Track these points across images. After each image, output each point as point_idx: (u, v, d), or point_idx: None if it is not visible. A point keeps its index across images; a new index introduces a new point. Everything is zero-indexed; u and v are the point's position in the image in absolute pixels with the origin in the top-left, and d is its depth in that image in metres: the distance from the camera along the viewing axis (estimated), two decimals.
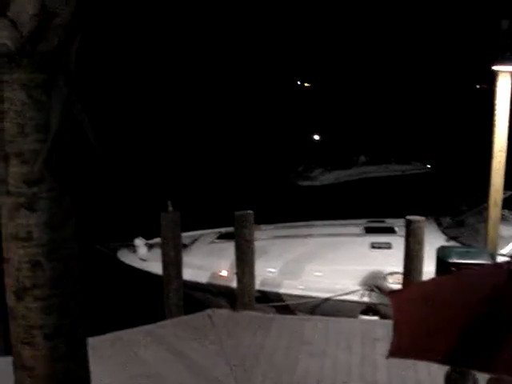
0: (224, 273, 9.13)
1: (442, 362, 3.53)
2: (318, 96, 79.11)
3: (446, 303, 3.52)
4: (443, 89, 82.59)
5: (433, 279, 4.30)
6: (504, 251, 8.66)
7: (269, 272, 9.07)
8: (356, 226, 10.50)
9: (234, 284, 8.51)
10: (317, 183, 24.46)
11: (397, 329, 3.57)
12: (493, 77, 7.51)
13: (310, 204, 19.92)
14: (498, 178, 7.67)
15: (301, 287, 8.90)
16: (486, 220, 9.78)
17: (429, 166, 26.85)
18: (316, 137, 34.88)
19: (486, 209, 8.17)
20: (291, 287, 8.92)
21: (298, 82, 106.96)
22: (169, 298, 8.15)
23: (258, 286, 8.54)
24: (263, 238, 9.56)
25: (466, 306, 3.39)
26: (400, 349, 3.40)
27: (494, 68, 7.30)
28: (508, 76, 7.37)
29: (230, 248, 8.76)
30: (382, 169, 26.05)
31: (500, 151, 7.61)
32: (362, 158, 26.38)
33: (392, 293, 4.22)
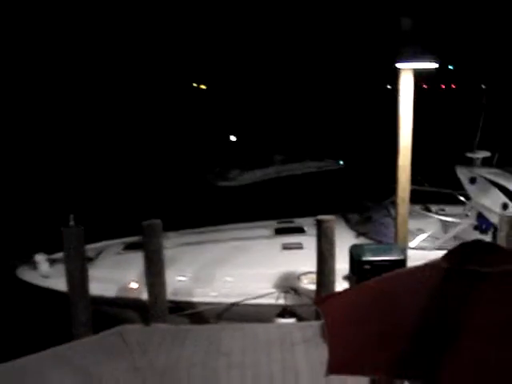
0: (133, 285, 8.75)
1: (386, 376, 3.43)
2: (226, 98, 79.33)
3: (382, 310, 3.42)
4: (348, 87, 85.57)
5: (364, 284, 4.19)
6: (412, 244, 8.86)
7: (180, 281, 8.80)
8: (265, 228, 10.43)
9: (144, 296, 8.17)
10: (235, 183, 24.69)
11: (331, 342, 3.40)
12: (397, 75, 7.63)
13: (230, 204, 20.01)
14: (404, 174, 7.80)
15: (214, 294, 8.70)
16: (391, 215, 10.09)
17: (341, 163, 27.52)
18: (232, 137, 35.38)
19: (394, 205, 8.31)
20: (204, 295, 8.69)
21: (194, 84, 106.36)
22: (76, 317, 7.68)
23: (169, 296, 8.23)
24: (171, 246, 9.26)
25: (404, 311, 3.31)
26: (338, 365, 3.24)
27: (397, 66, 7.41)
28: (410, 73, 7.51)
29: (137, 258, 8.41)
30: (297, 167, 26.60)
31: (405, 148, 7.73)
32: (278, 157, 26.94)
33: (320, 301, 4.08)
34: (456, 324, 3.12)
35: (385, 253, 7.12)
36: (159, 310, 7.86)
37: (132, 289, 8.72)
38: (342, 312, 3.72)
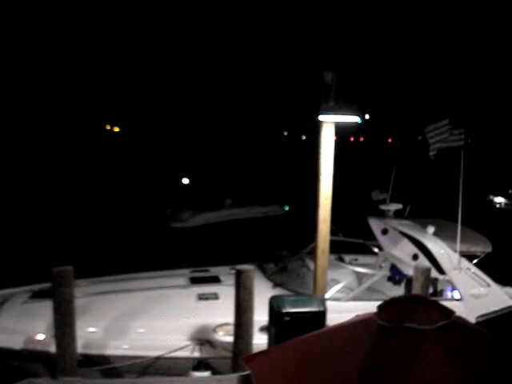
0: (40, 336, 8.19)
1: None
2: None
3: (318, 367, 3.32)
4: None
5: (294, 340, 4.07)
6: (327, 295, 8.86)
7: (90, 332, 8.31)
8: (180, 277, 10.14)
9: (52, 348, 7.68)
10: (188, 225, 25.32)
11: None
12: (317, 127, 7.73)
13: (183, 244, 20.84)
14: (324, 225, 7.85)
15: (127, 347, 8.25)
16: (307, 266, 10.11)
17: (287, 208, 28.30)
18: (185, 180, 35.75)
19: (312, 255, 8.31)
20: (116, 347, 8.23)
21: (108, 127, 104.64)
22: None
23: (79, 348, 7.76)
24: (82, 295, 8.81)
25: (341, 369, 3.22)
26: None
27: (319, 118, 7.51)
28: (332, 126, 7.63)
29: (45, 308, 7.92)
30: (246, 211, 27.59)
31: (326, 199, 7.80)
32: (228, 201, 27.99)
33: (249, 359, 3.92)
34: (396, 379, 3.07)
35: (305, 304, 7.07)
36: (68, 363, 7.37)
37: (39, 340, 8.16)
38: (272, 371, 3.59)
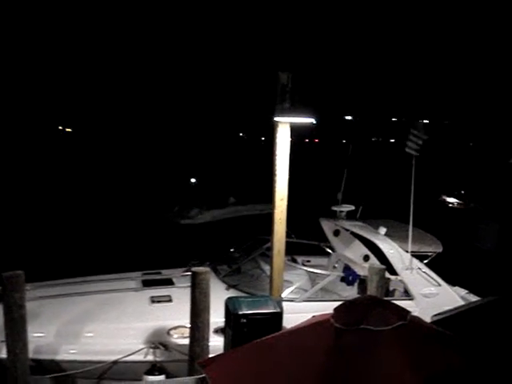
0: None
1: None
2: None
3: (275, 370, 3.29)
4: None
5: (252, 345, 4.02)
6: (283, 295, 8.87)
7: (41, 338, 8.09)
8: (132, 280, 9.98)
9: (2, 355, 7.46)
10: (196, 221, 26.62)
11: None
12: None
13: (193, 240, 21.08)
14: (280, 226, 7.84)
15: (78, 351, 8.04)
16: (261, 267, 10.11)
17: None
18: (193, 180, 37.50)
19: (267, 256, 8.29)
20: (67, 352, 8.02)
21: (60, 127, 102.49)
22: None
23: (30, 354, 7.56)
24: (32, 299, 8.58)
25: (298, 371, 3.20)
26: None
27: (275, 119, 7.49)
28: (287, 127, 7.62)
29: None
30: (249, 208, 28.60)
31: (281, 200, 7.79)
32: (232, 199, 29.59)
33: (205, 363, 3.86)
34: (353, 380, 3.07)
35: (261, 306, 7.05)
36: (20, 370, 7.16)
37: None
38: (229, 375, 3.55)
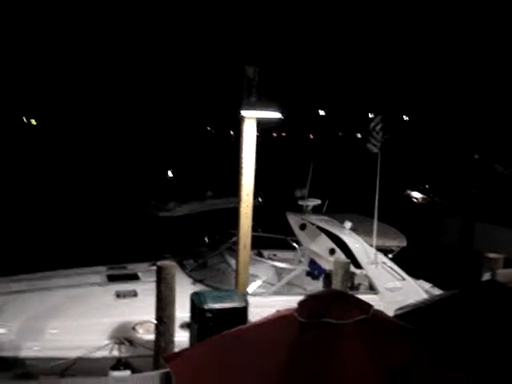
0: None
1: None
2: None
3: (239, 364, 3.30)
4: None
5: (217, 339, 4.02)
6: (249, 289, 8.88)
7: (4, 334, 7.97)
8: (97, 275, 9.87)
9: None
10: (175, 214, 26.67)
11: None
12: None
13: (173, 232, 21.08)
14: (246, 221, 7.85)
15: (41, 348, 7.95)
16: (227, 261, 10.10)
17: (260, 200, 29.00)
18: (170, 173, 37.68)
19: (233, 251, 8.29)
20: (30, 349, 7.92)
21: (24, 119, 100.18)
22: None
23: None
24: None
25: (261, 365, 3.20)
26: None
27: (242, 113, 7.48)
28: (253, 121, 7.62)
29: None
30: (225, 201, 28.21)
31: (247, 195, 7.79)
32: (209, 193, 29.65)
33: (170, 358, 3.85)
34: (319, 374, 3.09)
35: (226, 300, 7.04)
36: None
37: None
38: (193, 369, 3.55)
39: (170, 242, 16.29)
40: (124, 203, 28.27)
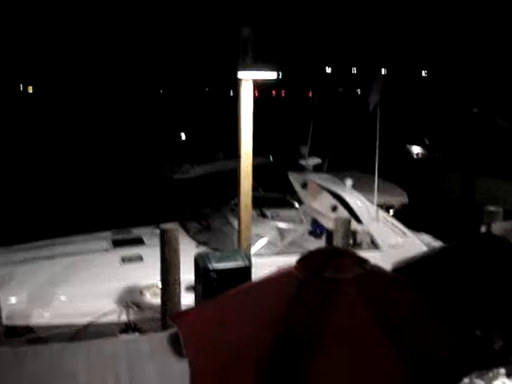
0: None
1: None
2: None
3: (244, 322, 3.38)
4: None
5: (221, 298, 4.11)
6: (252, 251, 8.96)
7: (12, 303, 8.09)
8: (102, 240, 9.96)
9: None
10: (189, 176, 27.06)
11: (192, 362, 3.31)
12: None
13: (189, 193, 21.74)
14: (246, 181, 7.90)
15: (51, 315, 8.08)
16: (231, 222, 10.16)
17: (271, 159, 29.67)
18: (182, 135, 37.52)
19: (235, 211, 8.35)
20: (40, 317, 8.04)
21: (21, 86, 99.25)
22: None
23: (3, 320, 7.58)
24: (1, 264, 8.58)
25: (266, 322, 3.29)
26: (202, 377, 3.16)
27: (238, 75, 7.47)
28: (250, 82, 7.60)
29: None
30: (236, 162, 28.70)
31: (246, 154, 7.83)
32: (221, 154, 29.30)
33: (176, 317, 3.95)
34: (319, 329, 3.17)
35: (230, 260, 7.15)
36: None
37: None
38: (198, 326, 3.64)
39: (185, 203, 16.43)
40: (138, 166, 28.59)
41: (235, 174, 8.43)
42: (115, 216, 15.80)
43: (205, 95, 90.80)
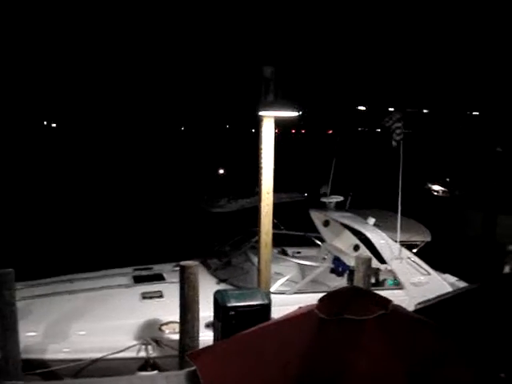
0: None
1: None
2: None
3: (263, 361, 3.34)
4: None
5: (240, 336, 4.08)
6: (272, 289, 8.91)
7: (30, 337, 8.07)
8: (123, 276, 9.99)
9: None
10: (226, 210, 27.29)
11: None
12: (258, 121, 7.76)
13: (224, 225, 21.38)
14: (266, 219, 7.91)
15: (69, 350, 8.05)
16: (251, 260, 10.15)
17: (306, 194, 29.54)
18: (221, 171, 38.93)
19: (255, 249, 8.34)
20: (58, 351, 8.01)
21: (45, 123, 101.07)
22: None
23: (21, 354, 7.56)
24: (20, 299, 8.59)
25: (285, 361, 3.25)
26: None
27: (260, 113, 7.54)
28: (272, 120, 7.66)
29: None
30: (275, 197, 29.20)
31: (267, 193, 7.85)
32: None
33: (194, 355, 3.92)
34: (339, 369, 3.12)
35: (249, 298, 7.09)
36: (12, 367, 7.18)
37: None
38: (217, 365, 3.60)
39: (213, 238, 16.61)
40: (175, 200, 29.21)
41: (274, 208, 8.48)
42: (148, 248, 16.17)
43: (226, 132, 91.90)
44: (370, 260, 8.47)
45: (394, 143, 9.59)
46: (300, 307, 4.07)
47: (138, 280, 9.75)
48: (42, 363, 7.88)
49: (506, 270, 8.53)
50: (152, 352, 8.12)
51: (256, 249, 9.67)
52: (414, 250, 10.19)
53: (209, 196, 29.31)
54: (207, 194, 29.61)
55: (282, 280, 9.49)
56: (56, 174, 39.28)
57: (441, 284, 9.66)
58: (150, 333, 8.33)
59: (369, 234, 9.95)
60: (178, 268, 8.15)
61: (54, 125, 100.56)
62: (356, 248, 11.23)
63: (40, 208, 26.16)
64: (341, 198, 11.42)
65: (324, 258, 10.91)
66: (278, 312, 6.84)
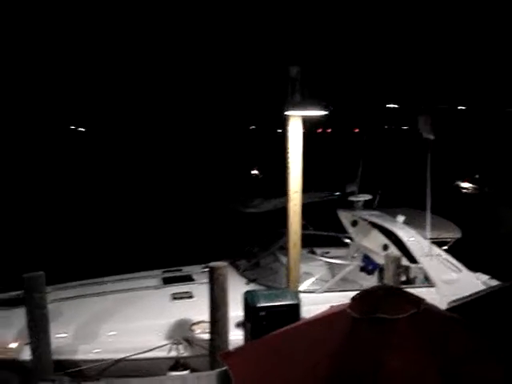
0: (13, 345, 8.06)
1: None
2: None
3: (294, 361, 3.34)
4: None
5: (271, 336, 4.08)
6: (301, 288, 8.90)
7: (61, 338, 8.17)
8: (153, 278, 10.07)
9: (25, 356, 7.57)
10: (260, 210, 27.36)
11: None
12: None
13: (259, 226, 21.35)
14: (295, 219, 7.89)
15: (102, 351, 8.14)
16: (280, 260, 10.15)
17: (338, 193, 29.69)
18: (255, 172, 38.96)
19: (284, 249, 8.34)
20: (88, 352, 8.09)
21: (72, 127, 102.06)
22: None
23: (53, 355, 7.67)
24: (50, 301, 8.71)
25: (317, 361, 3.24)
26: None
27: (287, 113, 7.53)
28: (299, 120, 7.65)
29: (15, 315, 7.90)
30: (306, 197, 29.19)
31: (296, 193, 7.85)
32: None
33: (226, 356, 3.93)
34: (372, 369, 3.11)
35: (279, 298, 7.11)
36: (44, 370, 7.29)
37: (10, 349, 8.03)
38: (250, 366, 3.61)
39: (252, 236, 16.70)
40: (211, 200, 28.54)
41: (303, 208, 8.47)
42: (179, 250, 16.28)
43: (253, 132, 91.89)
44: (399, 259, 8.41)
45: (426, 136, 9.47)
46: (332, 306, 4.06)
47: (168, 281, 9.82)
48: (73, 364, 7.97)
49: None
50: (183, 351, 8.17)
51: (284, 249, 9.70)
52: (445, 247, 10.08)
53: (244, 197, 29.38)
54: (243, 194, 29.62)
55: (312, 279, 9.48)
56: (90, 177, 39.65)
57: (472, 281, 9.54)
58: (181, 332, 8.37)
59: (398, 232, 9.88)
60: (206, 269, 8.20)
61: (81, 129, 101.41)
62: (385, 247, 11.15)
63: (70, 210, 26.40)
64: (369, 197, 11.36)
65: (353, 257, 10.86)
66: (307, 311, 6.85)
